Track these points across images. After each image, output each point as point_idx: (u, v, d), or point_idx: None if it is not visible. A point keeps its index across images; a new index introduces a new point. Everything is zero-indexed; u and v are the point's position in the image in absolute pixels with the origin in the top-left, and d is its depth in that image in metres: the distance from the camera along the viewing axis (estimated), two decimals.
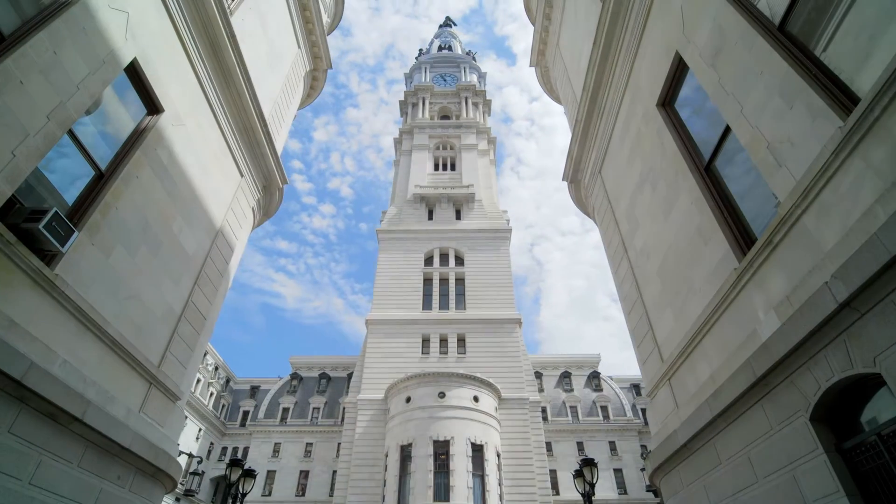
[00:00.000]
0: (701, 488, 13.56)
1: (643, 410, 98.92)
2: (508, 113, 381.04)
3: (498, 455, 60.17)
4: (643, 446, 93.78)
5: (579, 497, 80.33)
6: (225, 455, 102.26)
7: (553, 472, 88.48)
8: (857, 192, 8.38)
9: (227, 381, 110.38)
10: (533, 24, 34.41)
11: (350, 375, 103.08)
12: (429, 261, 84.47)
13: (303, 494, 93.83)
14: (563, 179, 25.60)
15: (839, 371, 8.81)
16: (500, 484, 58.24)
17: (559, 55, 29.49)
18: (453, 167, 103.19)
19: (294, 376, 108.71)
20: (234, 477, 32.53)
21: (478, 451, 58.09)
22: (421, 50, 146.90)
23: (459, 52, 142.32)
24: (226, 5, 18.56)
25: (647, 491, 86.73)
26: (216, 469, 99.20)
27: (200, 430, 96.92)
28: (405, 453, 59.03)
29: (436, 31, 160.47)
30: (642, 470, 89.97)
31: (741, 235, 12.04)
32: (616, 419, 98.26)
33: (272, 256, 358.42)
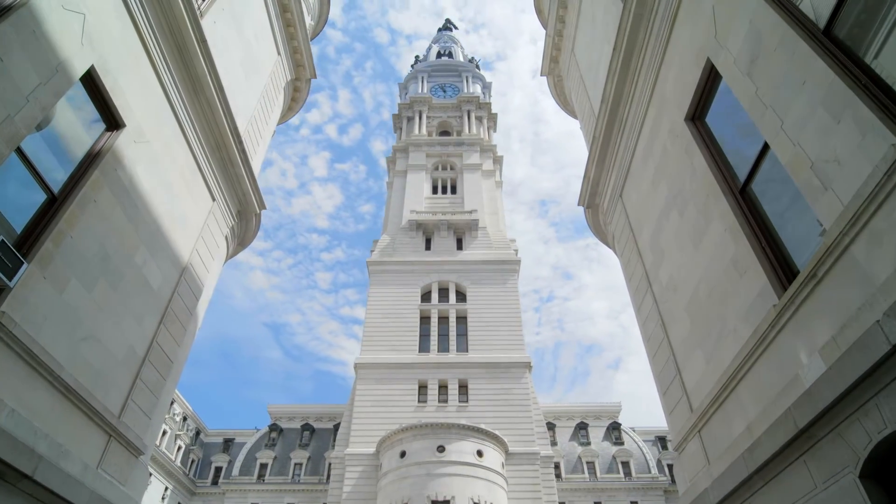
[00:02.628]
0: None
1: (669, 466, 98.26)
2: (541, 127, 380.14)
3: None
4: None
5: None
6: None
7: None
8: None
9: (198, 434, 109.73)
10: (545, 27, 34.47)
11: (336, 427, 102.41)
12: (426, 296, 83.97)
13: None
14: (578, 204, 25.59)
15: (893, 422, 8.72)
16: None
17: (574, 63, 29.56)
18: (454, 190, 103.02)
19: (273, 428, 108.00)
20: None
21: None
22: (417, 57, 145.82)
23: (461, 58, 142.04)
24: (195, 6, 18.61)
25: None
26: None
27: (167, 488, 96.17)
28: None
29: (434, 36, 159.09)
30: None
31: (781, 267, 11.98)
32: (639, 476, 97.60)
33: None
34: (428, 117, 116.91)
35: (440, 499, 57.42)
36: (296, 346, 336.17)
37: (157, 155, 17.56)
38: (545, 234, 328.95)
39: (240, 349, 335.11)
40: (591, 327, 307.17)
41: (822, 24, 10.37)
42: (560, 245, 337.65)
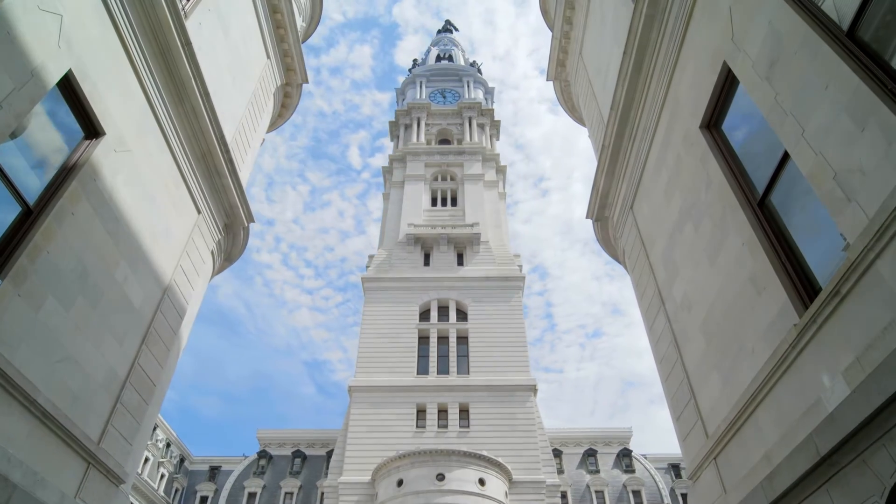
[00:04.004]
0: None
1: (683, 496, 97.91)
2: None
3: None
4: None
5: None
6: None
7: None
8: None
9: (182, 461, 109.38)
10: (551, 29, 34.47)
11: (330, 453, 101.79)
12: (425, 315, 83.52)
13: None
14: (587, 216, 25.56)
15: None
16: None
17: (582, 66, 29.59)
18: (454, 202, 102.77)
19: (262, 455, 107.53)
20: None
21: None
22: (415, 60, 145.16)
23: (462, 62, 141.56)
24: (179, 6, 18.64)
25: None
26: None
27: None
28: None
29: (433, 38, 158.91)
30: None
31: (802, 284, 11.97)
32: None
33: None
34: (427, 125, 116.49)
35: None
36: (333, 384, 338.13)
37: (139, 165, 17.55)
38: (598, 272, 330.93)
39: (274, 384, 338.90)
40: (637, 363, 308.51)
41: (845, 25, 10.37)
42: (613, 283, 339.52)
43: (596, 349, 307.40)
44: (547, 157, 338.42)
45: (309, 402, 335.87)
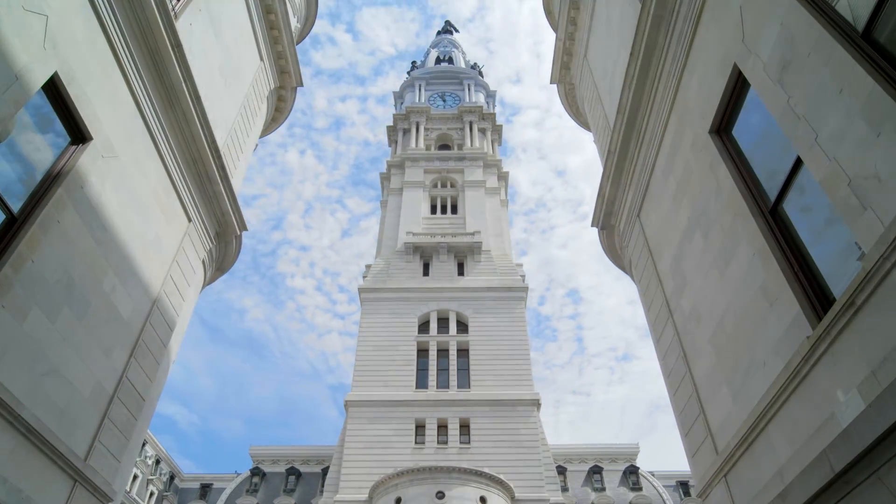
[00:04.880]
0: None
1: None
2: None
3: None
4: None
5: None
6: None
7: None
8: None
9: (172, 478, 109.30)
10: (555, 30, 34.47)
11: (325, 470, 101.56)
12: (424, 327, 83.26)
13: None
14: (592, 225, 25.54)
15: None
16: None
17: (587, 69, 29.60)
18: (455, 209, 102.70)
19: (255, 472, 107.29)
20: None
21: None
22: (414, 63, 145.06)
23: (462, 64, 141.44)
24: (169, 7, 18.62)
25: None
26: None
27: None
28: None
29: (433, 40, 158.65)
30: None
31: (816, 295, 11.93)
32: None
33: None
34: (426, 129, 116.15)
35: None
36: None
37: (128, 171, 17.55)
38: (633, 297, 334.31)
39: (296, 407, 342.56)
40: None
41: (860, 26, 10.35)
42: None
43: (626, 372, 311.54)
44: (587, 184, 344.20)
45: (329, 425, 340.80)
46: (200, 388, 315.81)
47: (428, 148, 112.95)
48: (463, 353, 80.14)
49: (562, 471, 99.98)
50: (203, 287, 24.42)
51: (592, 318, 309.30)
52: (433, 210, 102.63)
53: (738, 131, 15.05)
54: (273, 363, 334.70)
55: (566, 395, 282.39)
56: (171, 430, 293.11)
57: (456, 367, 77.94)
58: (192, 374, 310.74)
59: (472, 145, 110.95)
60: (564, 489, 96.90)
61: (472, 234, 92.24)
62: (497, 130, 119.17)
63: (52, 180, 14.47)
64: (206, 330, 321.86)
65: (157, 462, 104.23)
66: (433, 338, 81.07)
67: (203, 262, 23.18)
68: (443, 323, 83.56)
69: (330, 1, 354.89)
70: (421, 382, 77.13)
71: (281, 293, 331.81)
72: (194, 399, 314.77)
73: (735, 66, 14.18)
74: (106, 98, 16.39)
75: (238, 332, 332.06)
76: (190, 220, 21.52)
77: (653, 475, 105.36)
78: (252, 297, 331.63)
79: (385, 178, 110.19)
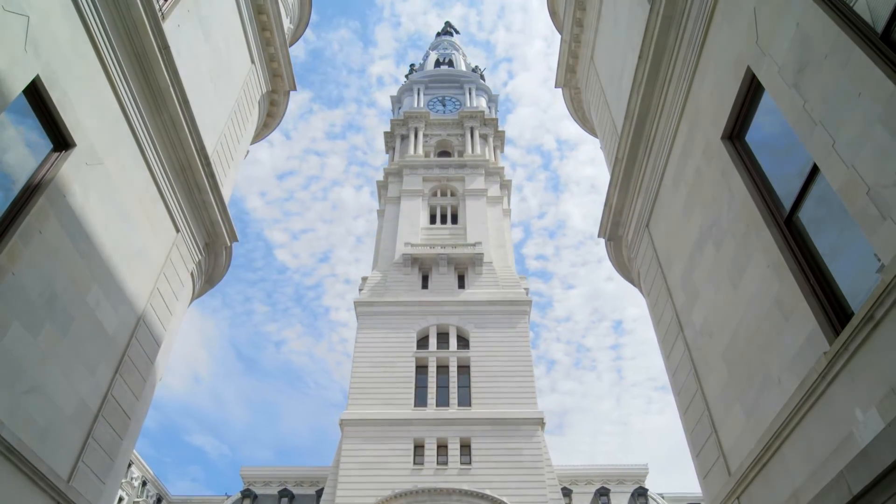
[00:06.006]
0: None
1: None
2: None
3: None
4: None
5: None
6: None
7: None
8: None
9: (159, 500, 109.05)
10: (560, 31, 34.44)
11: (320, 493, 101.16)
12: (423, 342, 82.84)
13: None
14: (599, 236, 25.52)
15: None
16: None
17: (594, 72, 29.60)
18: (455, 219, 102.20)
19: (246, 494, 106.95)
20: None
21: None
22: (412, 66, 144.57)
23: (463, 67, 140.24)
24: (156, 7, 18.61)
25: None
26: None
27: None
28: None
29: (432, 42, 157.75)
30: None
31: (833, 309, 11.91)
32: None
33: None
34: (425, 135, 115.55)
35: None
36: None
37: (113, 179, 17.52)
38: None
39: (327, 437, 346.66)
40: None
41: (879, 27, 10.33)
42: None
43: (665, 402, 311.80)
44: None
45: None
46: (232, 418, 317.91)
47: (427, 155, 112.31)
48: (464, 369, 79.75)
49: (567, 493, 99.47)
50: (192, 300, 24.37)
51: (634, 349, 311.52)
52: (432, 220, 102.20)
53: (752, 137, 15.04)
54: (306, 394, 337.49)
55: (604, 426, 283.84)
56: (201, 459, 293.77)
57: (456, 385, 77.56)
58: (223, 404, 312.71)
59: (473, 152, 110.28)
60: None
61: (474, 245, 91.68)
62: (499, 137, 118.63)
63: (33, 189, 14.44)
64: (241, 362, 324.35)
65: (144, 483, 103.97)
66: (432, 353, 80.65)
67: (192, 274, 23.15)
68: (442, 338, 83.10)
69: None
70: (420, 400, 76.68)
71: (322, 325, 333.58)
72: (226, 429, 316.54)
73: (748, 69, 14.17)
74: (90, 103, 16.37)
75: (275, 364, 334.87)
76: (178, 230, 21.50)
77: (662, 497, 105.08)
78: (293, 328, 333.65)
79: (382, 186, 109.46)
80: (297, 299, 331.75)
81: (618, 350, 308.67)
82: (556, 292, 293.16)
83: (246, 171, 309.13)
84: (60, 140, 15.37)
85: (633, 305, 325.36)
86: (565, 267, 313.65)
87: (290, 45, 35.23)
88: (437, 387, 77.76)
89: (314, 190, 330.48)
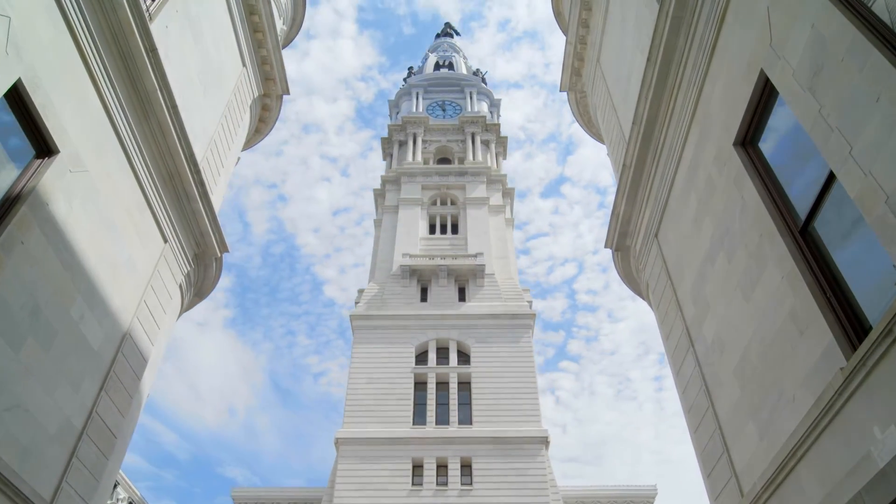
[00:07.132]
0: None
1: None
2: None
3: None
4: None
5: None
6: None
7: None
8: None
9: None
10: (565, 32, 34.38)
11: None
12: (422, 357, 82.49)
13: None
14: (606, 246, 25.47)
15: None
16: None
17: (600, 75, 29.56)
18: (455, 229, 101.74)
19: None
20: None
21: None
22: (411, 69, 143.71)
23: (464, 70, 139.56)
24: (143, 8, 18.57)
25: None
26: None
27: None
28: None
29: (431, 43, 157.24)
30: None
31: (850, 323, 11.88)
32: None
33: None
34: (424, 141, 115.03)
35: None
36: None
37: (98, 187, 17.48)
38: None
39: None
40: None
41: None
42: None
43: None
44: None
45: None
46: (265, 449, 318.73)
47: (426, 162, 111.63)
48: (464, 385, 79.32)
49: None
50: (180, 313, 24.33)
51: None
52: (432, 229, 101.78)
53: (765, 143, 15.02)
54: (340, 424, 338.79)
55: (644, 455, 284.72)
56: (228, 490, 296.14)
57: (457, 402, 77.14)
58: (256, 435, 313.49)
59: (474, 159, 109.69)
60: None
61: (475, 255, 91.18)
62: (501, 143, 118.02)
63: (14, 197, 14.42)
64: (278, 394, 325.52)
65: None
66: (432, 369, 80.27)
67: (180, 286, 23.10)
68: (442, 353, 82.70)
69: None
70: (418, 418, 76.31)
71: None
72: (257, 461, 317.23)
73: (762, 73, 14.15)
74: (74, 107, 16.33)
75: (312, 396, 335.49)
76: (166, 240, 21.46)
77: None
78: (336, 360, 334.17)
79: (379, 194, 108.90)
80: (341, 332, 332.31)
81: (660, 381, 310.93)
82: (604, 326, 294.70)
83: (301, 209, 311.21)
84: (43, 146, 15.34)
85: None
86: (610, 301, 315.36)
87: (284, 47, 35.20)
88: (437, 404, 77.30)
89: (367, 226, 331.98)
